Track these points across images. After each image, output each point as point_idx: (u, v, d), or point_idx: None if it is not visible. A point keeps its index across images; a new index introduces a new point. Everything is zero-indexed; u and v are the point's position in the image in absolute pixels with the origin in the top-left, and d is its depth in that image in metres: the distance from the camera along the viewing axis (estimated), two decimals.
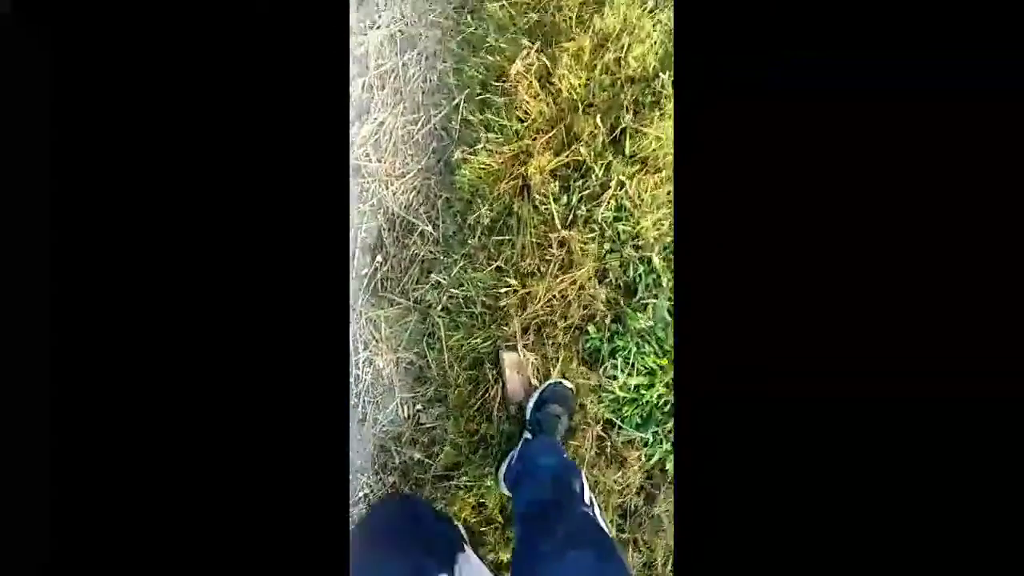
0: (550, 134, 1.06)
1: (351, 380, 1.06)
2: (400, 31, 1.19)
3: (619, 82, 1.07)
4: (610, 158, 1.03)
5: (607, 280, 1.04)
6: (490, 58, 1.10)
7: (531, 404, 0.98)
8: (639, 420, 0.97)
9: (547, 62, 1.05)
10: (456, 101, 1.12)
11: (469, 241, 1.07)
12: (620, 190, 1.02)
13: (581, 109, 1.06)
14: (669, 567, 0.89)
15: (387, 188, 1.14)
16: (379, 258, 1.11)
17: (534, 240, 1.03)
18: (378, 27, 1.20)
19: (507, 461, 0.95)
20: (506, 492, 0.93)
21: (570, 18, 1.07)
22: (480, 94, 1.11)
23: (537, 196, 1.04)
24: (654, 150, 1.03)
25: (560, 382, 0.97)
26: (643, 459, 0.96)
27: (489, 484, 0.94)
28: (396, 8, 1.20)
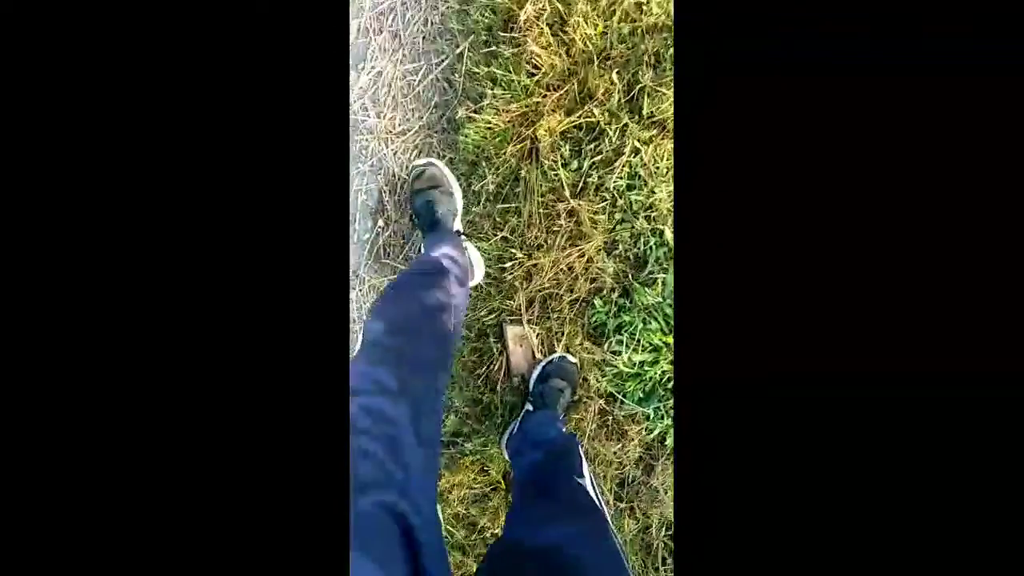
0: (562, 91, 0.97)
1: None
2: None
3: (640, 31, 0.96)
4: (626, 120, 0.95)
5: (616, 252, 1.00)
6: (497, 0, 0.98)
7: (534, 377, 0.98)
8: (641, 395, 0.98)
9: (560, 6, 0.94)
10: (460, 49, 1.03)
11: (473, 208, 1.02)
12: (635, 156, 0.96)
13: (596, 63, 0.96)
14: (663, 535, 0.94)
15: (387, 146, 1.08)
16: (380, 223, 1.07)
17: (541, 210, 0.98)
18: None
19: (509, 430, 0.97)
20: (507, 458, 0.97)
21: None
22: (486, 41, 1.01)
23: (546, 161, 0.98)
24: (673, 113, 0.94)
25: (564, 356, 0.97)
26: (644, 433, 0.97)
27: (493, 452, 0.97)
28: None
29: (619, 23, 0.95)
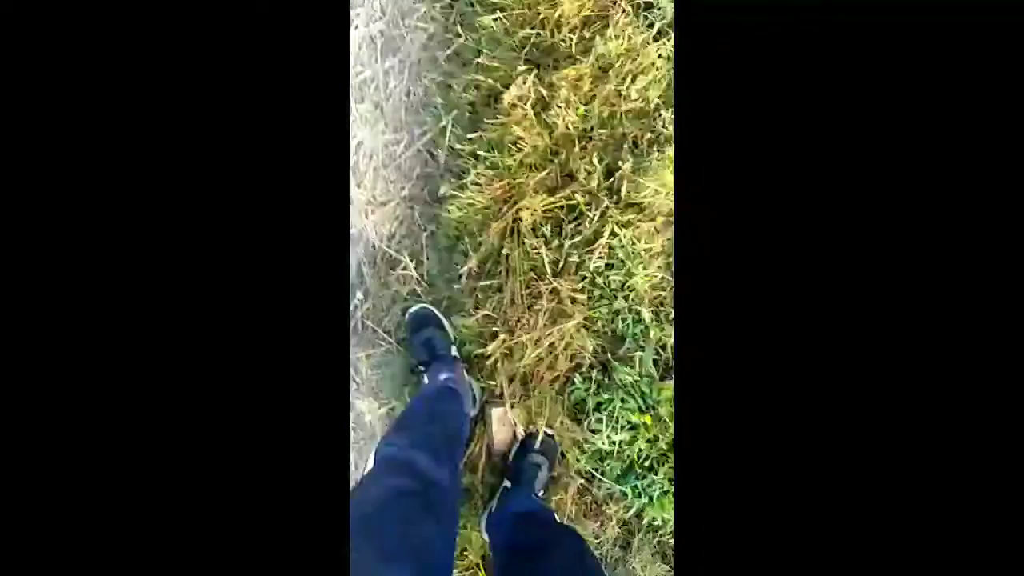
0: (544, 172, 0.98)
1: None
2: (380, 32, 1.06)
3: (619, 115, 0.99)
4: (605, 203, 0.97)
5: (594, 329, 1.02)
6: (480, 77, 0.99)
7: (512, 453, 0.98)
8: (619, 473, 0.99)
9: (544, 91, 0.96)
10: (443, 124, 1.03)
11: (455, 285, 1.02)
12: (614, 239, 0.98)
13: (578, 145, 0.98)
14: None
15: (367, 217, 1.07)
16: (359, 295, 1.06)
17: (523, 289, 0.99)
18: (356, 26, 1.06)
19: (487, 510, 0.97)
20: (485, 539, 0.96)
21: (570, 39, 0.96)
22: (470, 115, 1.02)
23: (528, 240, 0.99)
24: (651, 198, 0.97)
25: (544, 432, 0.98)
26: (622, 510, 0.98)
27: (472, 535, 0.97)
28: (375, 3, 1.06)
29: (600, 106, 0.97)
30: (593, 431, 0.99)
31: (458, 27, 1.01)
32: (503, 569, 0.83)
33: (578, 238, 0.98)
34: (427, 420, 0.82)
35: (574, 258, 0.99)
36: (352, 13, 1.07)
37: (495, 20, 0.97)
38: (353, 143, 1.07)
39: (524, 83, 0.95)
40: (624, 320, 0.99)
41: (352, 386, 1.05)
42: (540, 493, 0.96)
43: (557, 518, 0.92)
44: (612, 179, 0.98)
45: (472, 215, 1.00)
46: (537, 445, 0.96)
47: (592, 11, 0.96)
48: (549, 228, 0.99)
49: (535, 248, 0.98)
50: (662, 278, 0.99)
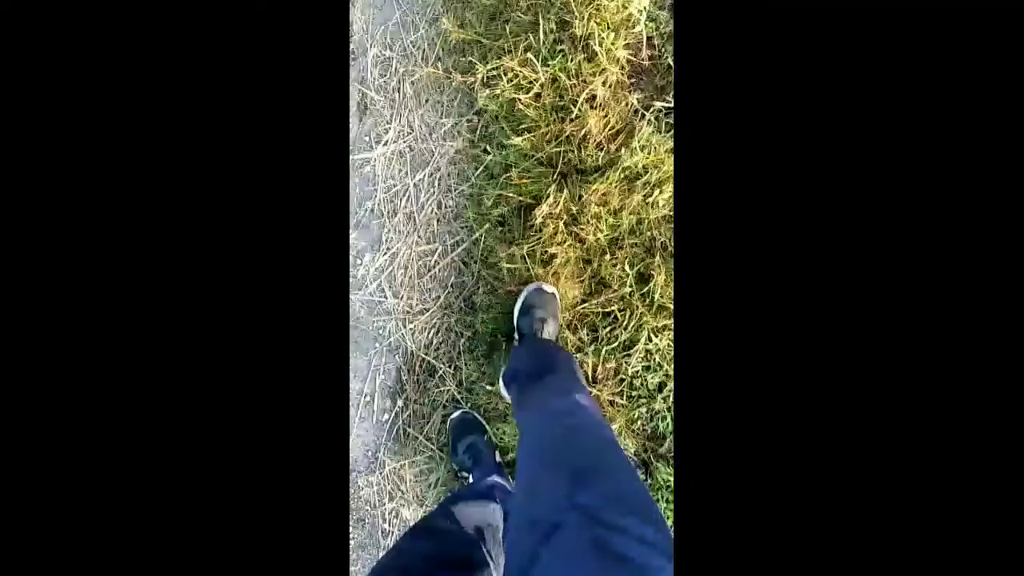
0: (577, 280, 1.01)
1: (378, 533, 1.05)
2: (409, 147, 1.10)
3: (647, 221, 1.02)
4: (640, 308, 1.00)
5: (633, 428, 1.03)
6: (511, 194, 1.03)
7: (516, 313, 1.01)
8: None
9: (573, 207, 0.99)
10: (475, 236, 1.06)
11: (490, 387, 1.04)
12: (650, 343, 1.00)
13: (609, 253, 1.01)
14: None
15: (404, 326, 1.09)
16: (400, 402, 1.08)
17: None
18: (385, 143, 1.10)
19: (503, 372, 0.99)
20: (506, 396, 0.99)
21: (596, 155, 1.00)
22: (501, 227, 1.05)
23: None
24: None
25: (540, 287, 1.00)
26: None
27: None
28: (403, 120, 1.10)
29: (628, 215, 1.01)
30: None
31: (486, 146, 1.05)
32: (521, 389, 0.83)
33: (615, 343, 1.00)
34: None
35: (612, 364, 1.01)
36: (382, 129, 1.11)
37: (522, 139, 1.00)
38: (388, 254, 1.10)
39: (555, 203, 0.98)
40: (664, 420, 1.01)
41: (397, 494, 1.06)
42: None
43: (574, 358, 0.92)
44: (646, 286, 1.00)
45: (507, 323, 1.03)
46: (533, 299, 0.98)
47: (617, 125, 1.00)
48: (585, 334, 1.01)
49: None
50: None
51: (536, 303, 0.98)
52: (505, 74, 0.99)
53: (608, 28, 0.97)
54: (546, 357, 0.87)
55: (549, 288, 1.00)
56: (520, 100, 1.00)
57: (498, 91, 1.00)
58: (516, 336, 1.01)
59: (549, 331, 0.97)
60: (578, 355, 1.01)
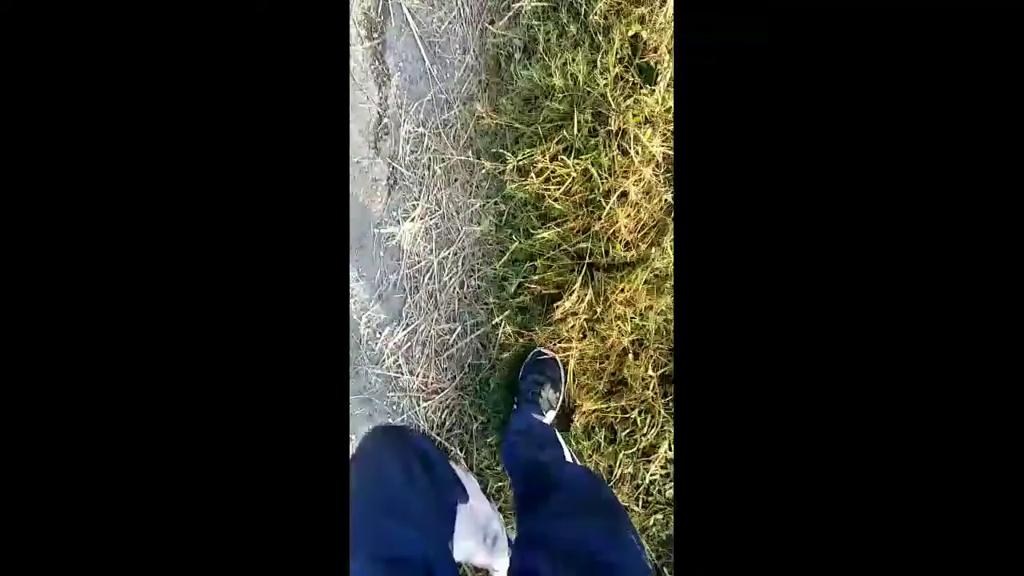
0: (597, 382, 0.98)
1: None
2: (436, 225, 1.09)
3: (671, 326, 0.97)
4: (660, 411, 0.95)
5: (648, 533, 0.99)
6: (534, 287, 1.00)
7: (519, 376, 1.01)
8: None
9: (597, 307, 0.96)
10: (495, 321, 1.04)
11: (499, 468, 1.02)
12: (671, 451, 0.95)
13: (631, 353, 0.97)
14: None
15: (419, 404, 1.08)
16: None
17: None
18: (412, 219, 1.10)
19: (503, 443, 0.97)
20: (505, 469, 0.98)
21: (624, 255, 0.96)
22: (521, 315, 1.03)
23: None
24: None
25: (540, 350, 0.99)
26: None
27: None
28: (432, 197, 1.09)
29: (656, 317, 0.96)
30: None
31: (510, 233, 1.03)
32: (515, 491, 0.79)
33: (633, 448, 0.97)
34: None
35: (628, 468, 0.97)
36: (410, 205, 1.11)
37: (548, 231, 0.98)
38: (407, 330, 1.10)
39: (579, 300, 0.95)
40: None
41: None
42: (549, 412, 0.96)
43: (554, 433, 0.89)
44: (666, 388, 0.96)
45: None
46: (534, 365, 0.98)
47: (649, 222, 0.96)
48: (603, 436, 0.98)
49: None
50: None
51: (534, 368, 0.98)
52: (535, 166, 0.97)
53: (645, 122, 0.93)
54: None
55: (549, 352, 0.99)
56: (549, 192, 0.97)
57: (527, 182, 0.98)
58: (515, 401, 1.00)
59: (548, 396, 0.96)
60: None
